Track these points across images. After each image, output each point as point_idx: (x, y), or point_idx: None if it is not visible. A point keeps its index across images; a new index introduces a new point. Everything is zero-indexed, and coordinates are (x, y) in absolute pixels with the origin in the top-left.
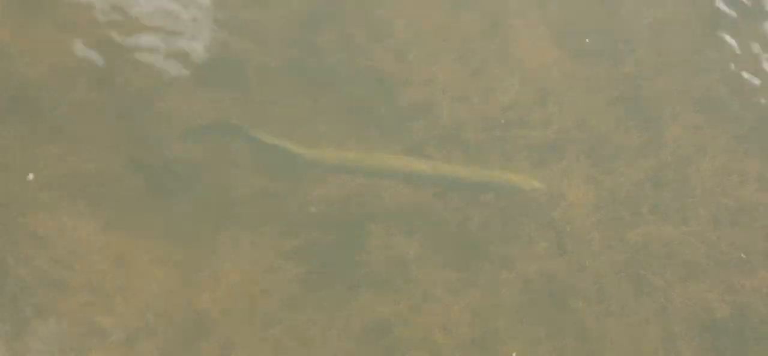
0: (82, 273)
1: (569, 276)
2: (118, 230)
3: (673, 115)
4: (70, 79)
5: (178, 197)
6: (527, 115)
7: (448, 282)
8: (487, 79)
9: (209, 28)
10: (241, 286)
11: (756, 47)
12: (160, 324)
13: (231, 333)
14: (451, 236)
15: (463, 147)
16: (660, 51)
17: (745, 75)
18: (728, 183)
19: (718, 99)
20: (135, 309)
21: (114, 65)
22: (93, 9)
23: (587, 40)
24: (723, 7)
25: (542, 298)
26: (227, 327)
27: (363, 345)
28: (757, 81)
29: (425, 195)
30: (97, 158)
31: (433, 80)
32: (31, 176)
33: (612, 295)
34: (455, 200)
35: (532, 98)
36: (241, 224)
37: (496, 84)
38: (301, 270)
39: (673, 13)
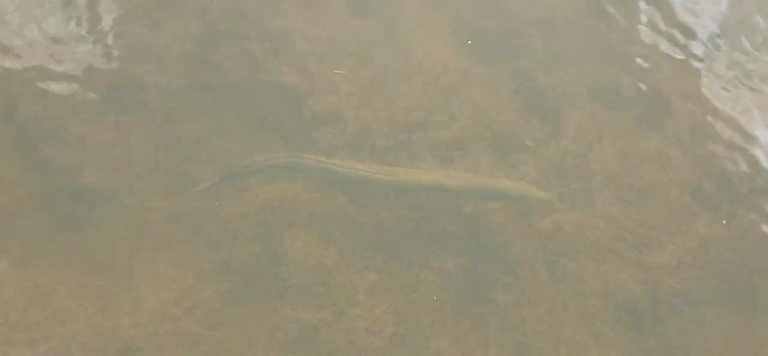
0: None
1: (487, 269)
2: (32, 264)
3: (571, 103)
4: None
5: (92, 226)
6: (431, 115)
7: (370, 285)
8: (389, 83)
9: (108, 53)
10: (164, 309)
11: (645, 31)
12: (85, 355)
13: None
14: (369, 240)
15: (371, 152)
16: (553, 43)
17: (637, 60)
18: (629, 165)
19: (613, 85)
20: (57, 342)
21: (14, 96)
22: None
23: (469, 41)
24: None
25: (462, 292)
26: (153, 352)
27: (290, 355)
28: (647, 64)
29: (339, 202)
30: (4, 193)
31: (336, 89)
32: None
33: (529, 283)
34: (369, 204)
35: (434, 98)
36: (157, 246)
37: (398, 88)
38: (222, 287)
39: (563, 5)
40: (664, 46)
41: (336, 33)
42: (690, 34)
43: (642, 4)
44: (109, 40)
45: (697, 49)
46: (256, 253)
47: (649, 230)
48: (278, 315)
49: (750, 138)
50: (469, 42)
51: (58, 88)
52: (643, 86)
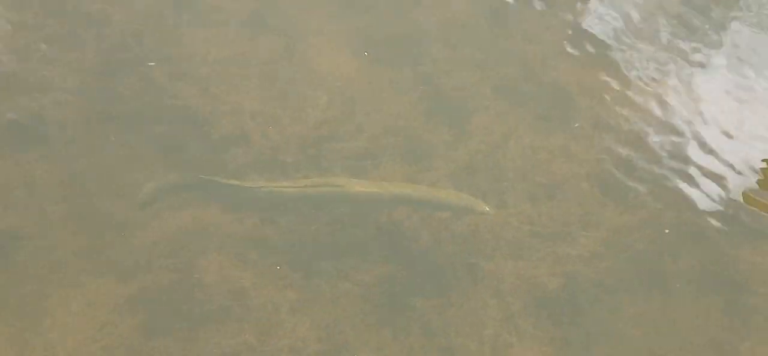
0: None
1: (406, 277)
2: None
3: (476, 105)
4: None
5: None
6: (339, 127)
7: (290, 303)
8: (294, 99)
9: (2, 89)
10: (80, 347)
11: (542, 29)
12: None
13: None
14: (286, 258)
15: (282, 170)
16: (453, 47)
17: (537, 58)
18: (538, 161)
19: (515, 84)
20: None
21: None
22: None
23: (366, 52)
24: None
25: (384, 302)
26: None
27: None
28: (547, 62)
29: (253, 222)
30: None
31: (241, 109)
32: None
33: (449, 287)
34: (284, 222)
35: (340, 110)
36: (69, 285)
37: (303, 102)
38: (139, 319)
39: (459, 11)
40: (562, 44)
41: (237, 52)
42: (586, 31)
43: (538, 4)
44: (3, 76)
45: (595, 44)
46: (172, 281)
47: (562, 223)
48: (199, 342)
49: (650, 127)
50: (366, 54)
51: None
52: (544, 83)
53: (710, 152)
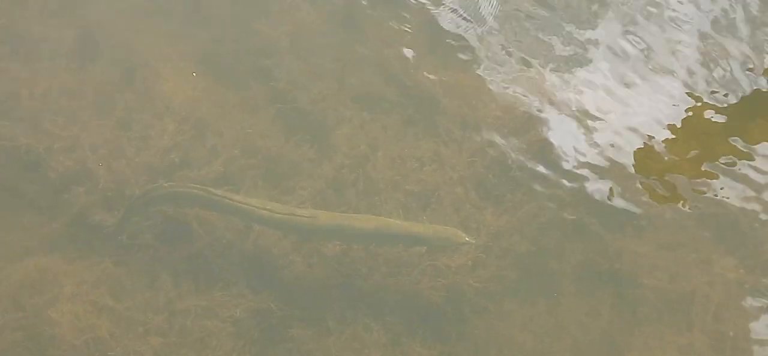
0: None
1: (279, 306)
2: None
3: (337, 117)
4: None
5: None
6: (190, 153)
7: (154, 349)
8: (138, 127)
9: None
10: None
11: (400, 32)
12: None
13: None
14: (144, 300)
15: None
16: (306, 58)
17: (394, 60)
18: (408, 170)
19: (376, 91)
20: None
21: None
22: None
23: (194, 73)
24: None
25: (258, 335)
26: None
27: None
28: (406, 65)
29: (104, 266)
30: None
31: (79, 143)
32: None
33: (327, 312)
34: (135, 263)
35: (190, 134)
36: None
37: (147, 130)
38: None
39: (308, 20)
40: (420, 46)
41: (68, 83)
42: (445, 30)
43: (393, 6)
44: None
45: (457, 42)
46: (21, 340)
47: None
48: None
49: (522, 123)
50: (194, 74)
51: None
52: (407, 88)
53: (584, 143)
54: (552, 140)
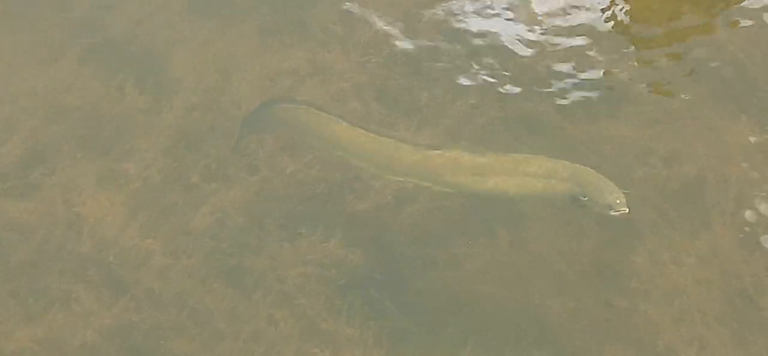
0: None
1: (149, 320)
2: None
3: (170, 39)
4: None
5: None
6: None
7: None
8: None
9: None
10: None
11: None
12: None
13: None
14: None
15: None
16: None
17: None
18: (280, 91)
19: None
20: None
21: None
22: None
23: None
24: None
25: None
26: None
27: None
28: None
29: None
30: None
31: None
32: None
33: (202, 320)
34: None
35: None
36: None
37: None
38: None
39: None
40: None
41: None
42: None
43: None
44: None
45: None
46: None
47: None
48: None
49: None
50: None
51: None
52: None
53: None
54: (470, 9)
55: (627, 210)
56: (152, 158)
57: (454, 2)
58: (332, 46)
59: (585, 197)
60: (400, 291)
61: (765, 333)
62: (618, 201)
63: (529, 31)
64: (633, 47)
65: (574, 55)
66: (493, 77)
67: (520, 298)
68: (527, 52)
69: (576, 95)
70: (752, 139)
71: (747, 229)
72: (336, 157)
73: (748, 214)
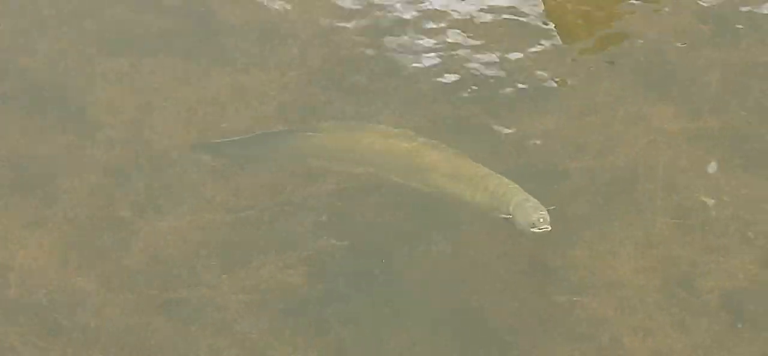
0: None
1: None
2: None
3: (86, 77)
4: None
5: None
6: None
7: None
8: None
9: None
10: None
11: None
12: None
13: None
14: None
15: None
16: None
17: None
18: (203, 119)
19: (130, 26)
20: None
21: None
22: None
23: None
24: None
25: None
26: None
27: None
28: None
29: None
30: None
31: None
32: None
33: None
34: None
35: None
36: None
37: None
38: None
39: None
40: None
41: None
42: None
43: None
44: None
45: None
46: None
47: None
48: None
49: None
50: None
51: None
52: (170, 10)
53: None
54: (390, 18)
55: (549, 228)
56: (79, 197)
57: (374, 12)
58: (252, 69)
59: (509, 214)
60: (343, 308)
61: (707, 316)
62: (540, 219)
63: (450, 33)
64: (554, 42)
65: (498, 53)
66: (416, 82)
67: (462, 304)
68: (450, 54)
69: (500, 93)
70: (678, 125)
71: (680, 215)
72: (267, 178)
73: (680, 200)
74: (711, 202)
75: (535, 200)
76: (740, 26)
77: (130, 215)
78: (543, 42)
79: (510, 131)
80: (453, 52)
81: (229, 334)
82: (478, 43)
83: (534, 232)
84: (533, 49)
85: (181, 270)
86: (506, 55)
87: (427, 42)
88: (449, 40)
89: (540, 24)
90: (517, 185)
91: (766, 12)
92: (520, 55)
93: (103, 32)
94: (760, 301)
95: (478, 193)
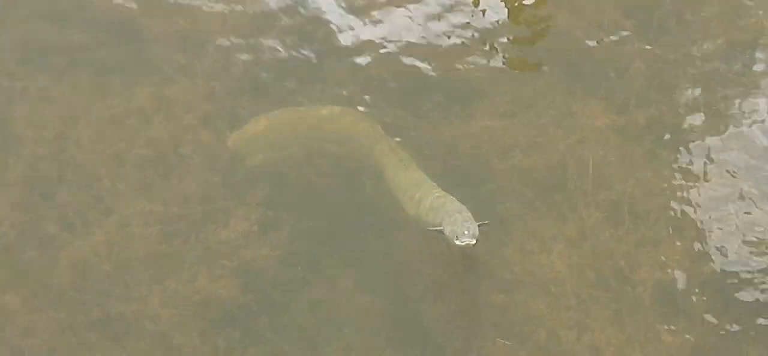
0: None
1: None
2: None
3: (6, 94)
4: None
5: None
6: None
7: None
8: None
9: None
10: None
11: None
12: None
13: None
14: None
15: None
16: None
17: None
18: (128, 133)
19: (47, 39)
20: None
21: None
22: None
23: None
24: None
25: None
26: None
27: None
28: None
29: None
30: None
31: None
32: None
33: None
34: None
35: None
36: None
37: None
38: None
39: None
40: None
41: None
42: None
43: None
44: None
45: None
46: None
47: None
48: None
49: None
50: None
51: None
52: (93, 24)
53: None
54: (314, 24)
55: (473, 242)
56: (3, 213)
57: (297, 17)
58: (177, 78)
59: (439, 227)
60: (276, 316)
61: (641, 309)
62: (465, 232)
63: (377, 35)
64: (479, 44)
65: (425, 58)
66: (343, 87)
67: (397, 308)
68: (377, 55)
69: (429, 98)
70: (605, 120)
71: (611, 209)
72: (195, 188)
73: (610, 194)
74: (640, 195)
75: (467, 213)
76: (664, 19)
77: (57, 230)
78: (470, 41)
79: (438, 133)
80: (380, 54)
81: (163, 347)
82: (404, 44)
83: (457, 243)
84: (461, 49)
85: (111, 285)
86: (434, 56)
87: (354, 44)
88: (376, 41)
89: (467, 22)
90: (451, 197)
91: (689, 4)
92: (447, 56)
93: (23, 47)
94: (692, 291)
95: (412, 206)
